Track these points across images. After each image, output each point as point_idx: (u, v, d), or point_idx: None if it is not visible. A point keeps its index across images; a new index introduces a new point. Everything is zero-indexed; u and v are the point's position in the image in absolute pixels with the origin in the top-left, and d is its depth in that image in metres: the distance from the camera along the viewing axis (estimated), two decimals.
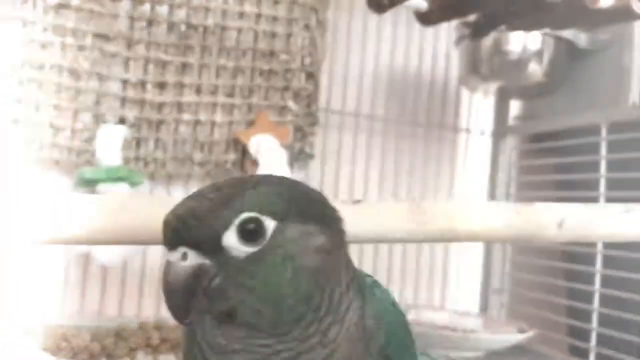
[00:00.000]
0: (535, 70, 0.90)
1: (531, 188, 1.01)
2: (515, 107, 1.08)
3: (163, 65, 0.86)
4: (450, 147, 1.09)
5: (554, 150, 0.99)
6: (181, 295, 0.30)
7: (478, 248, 1.07)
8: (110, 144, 0.82)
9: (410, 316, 0.96)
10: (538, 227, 0.52)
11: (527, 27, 0.75)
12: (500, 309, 1.05)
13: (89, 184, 0.79)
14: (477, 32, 0.70)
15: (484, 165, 1.09)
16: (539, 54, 0.90)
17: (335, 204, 0.36)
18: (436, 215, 0.49)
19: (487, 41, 0.89)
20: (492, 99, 1.07)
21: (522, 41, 0.89)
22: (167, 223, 0.31)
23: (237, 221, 0.30)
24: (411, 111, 1.05)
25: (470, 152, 1.09)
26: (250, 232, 0.30)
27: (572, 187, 0.91)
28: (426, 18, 0.65)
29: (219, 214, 0.30)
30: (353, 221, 0.41)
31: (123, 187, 0.80)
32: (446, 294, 1.07)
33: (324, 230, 0.32)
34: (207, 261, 0.30)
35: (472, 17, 0.69)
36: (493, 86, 0.96)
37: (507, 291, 1.04)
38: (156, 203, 0.45)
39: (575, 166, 0.92)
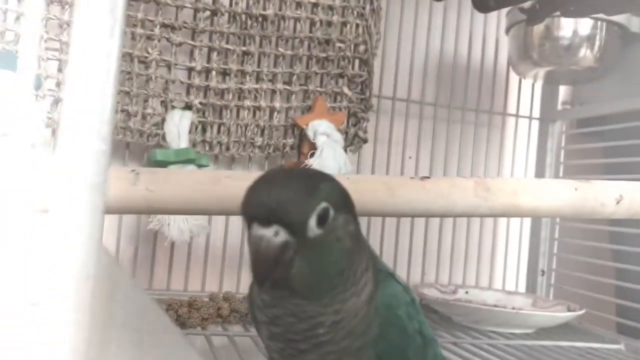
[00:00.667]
0: (587, 55, 0.92)
1: (578, 172, 1.03)
2: (563, 92, 1.10)
3: (225, 53, 0.91)
4: (499, 132, 1.11)
5: (601, 134, 1.01)
6: (270, 264, 0.35)
7: (525, 230, 1.10)
8: (178, 128, 0.87)
9: (459, 295, 1.00)
10: (597, 203, 0.55)
11: (582, 13, 0.76)
12: (548, 289, 1.07)
13: (159, 165, 0.84)
14: (532, 18, 0.73)
15: (531, 150, 1.11)
16: (590, 39, 0.92)
17: (404, 180, 0.40)
18: (500, 191, 0.52)
19: (538, 27, 0.91)
20: (540, 84, 1.09)
21: (573, 26, 0.91)
22: (263, 204, 0.36)
23: (318, 209, 0.36)
24: (461, 97, 1.07)
25: (518, 137, 1.11)
26: (322, 218, 0.36)
27: (619, 170, 0.92)
28: (484, 5, 0.68)
29: (309, 203, 0.36)
30: (420, 196, 0.45)
31: (190, 168, 0.85)
32: (494, 275, 1.10)
33: (353, 218, 0.39)
34: (292, 239, 0.35)
35: (527, 4, 0.71)
36: (543, 71, 0.98)
37: (554, 272, 1.06)
38: (242, 177, 0.50)
39: (622, 150, 0.94)
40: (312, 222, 0.36)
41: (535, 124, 1.11)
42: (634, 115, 0.89)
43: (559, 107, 1.08)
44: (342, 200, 0.39)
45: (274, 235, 0.35)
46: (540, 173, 1.08)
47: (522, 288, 1.10)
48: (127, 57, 0.87)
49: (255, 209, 0.36)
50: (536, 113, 1.11)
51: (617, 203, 0.55)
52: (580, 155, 1.07)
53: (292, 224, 0.35)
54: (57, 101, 0.82)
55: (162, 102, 0.88)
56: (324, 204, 0.36)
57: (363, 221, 0.45)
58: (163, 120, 0.87)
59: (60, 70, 0.83)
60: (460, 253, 1.07)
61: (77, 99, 0.23)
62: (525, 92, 1.11)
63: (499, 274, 1.10)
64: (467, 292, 1.01)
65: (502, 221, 1.10)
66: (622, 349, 0.84)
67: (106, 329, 0.23)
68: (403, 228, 1.03)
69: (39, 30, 0.78)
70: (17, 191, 0.24)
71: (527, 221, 1.10)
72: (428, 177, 0.51)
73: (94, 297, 0.21)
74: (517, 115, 1.11)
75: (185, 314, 0.74)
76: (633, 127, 0.89)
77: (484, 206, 0.51)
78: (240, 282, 0.93)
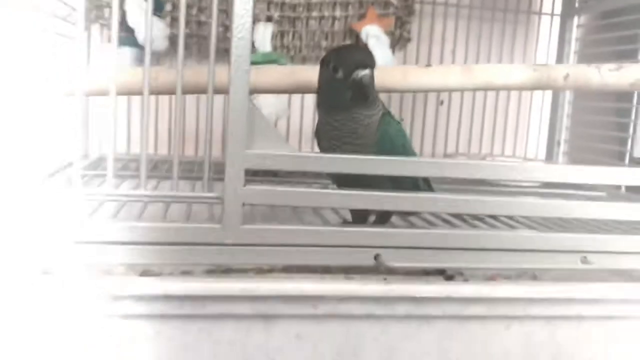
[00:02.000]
0: None
1: (594, 59, 1.24)
2: None
3: None
4: (524, 28, 1.33)
5: (617, 25, 1.20)
6: (370, 86, 0.65)
7: (546, 107, 1.33)
8: (263, 37, 1.16)
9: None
10: (550, 79, 0.81)
11: None
12: (563, 157, 1.32)
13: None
14: None
15: (553, 43, 1.32)
16: None
17: (414, 68, 0.68)
18: (481, 73, 0.79)
19: None
20: None
21: None
22: (365, 58, 0.65)
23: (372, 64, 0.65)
24: None
25: (542, 31, 1.33)
26: (371, 68, 0.65)
27: (631, 56, 1.12)
28: None
29: (374, 59, 0.65)
30: (424, 79, 0.73)
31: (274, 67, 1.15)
32: (517, 146, 1.36)
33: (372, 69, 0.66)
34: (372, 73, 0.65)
35: None
36: None
37: (568, 142, 1.31)
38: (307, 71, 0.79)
39: (632, 38, 1.13)
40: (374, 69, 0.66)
41: (557, 20, 1.31)
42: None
43: (577, 4, 1.28)
44: (373, 61, 0.66)
45: (370, 71, 0.65)
46: (559, 61, 1.30)
47: (541, 157, 1.35)
48: None
49: (361, 60, 0.65)
50: (557, 10, 1.31)
51: (565, 79, 0.81)
52: (598, 44, 1.27)
53: (372, 68, 0.65)
54: None
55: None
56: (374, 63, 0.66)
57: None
58: (252, 28, 1.16)
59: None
60: (489, 127, 1.33)
61: None
62: None
63: (521, 145, 1.36)
64: (492, 159, 1.28)
65: (526, 100, 1.34)
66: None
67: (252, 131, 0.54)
68: (445, 106, 1.30)
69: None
70: None
71: (548, 99, 1.33)
72: (430, 65, 0.79)
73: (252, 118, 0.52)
74: (540, 13, 1.32)
75: None
76: None
77: (468, 84, 0.79)
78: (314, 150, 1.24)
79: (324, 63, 0.68)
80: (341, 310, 0.57)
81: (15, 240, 0.54)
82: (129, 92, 0.74)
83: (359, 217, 0.71)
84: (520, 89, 0.82)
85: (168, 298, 0.54)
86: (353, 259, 0.59)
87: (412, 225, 0.70)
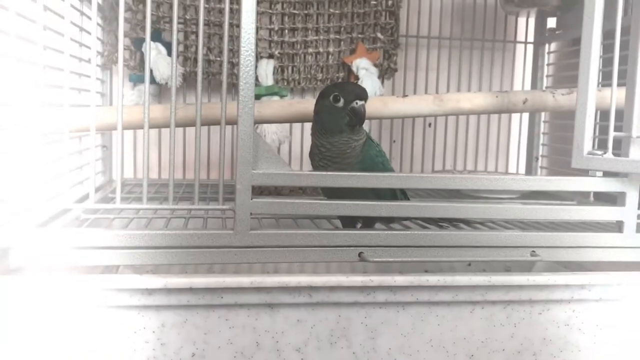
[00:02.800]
0: None
1: (567, 82, 1.37)
2: (551, 20, 1.43)
3: (293, 17, 1.32)
4: (501, 55, 1.47)
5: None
6: (364, 115, 0.80)
7: (524, 127, 1.47)
8: (265, 72, 1.31)
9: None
10: (511, 104, 0.94)
11: None
12: (541, 170, 1.45)
13: (255, 98, 1.28)
14: None
15: (527, 68, 1.46)
16: None
17: (393, 98, 0.82)
18: (449, 101, 0.93)
19: None
20: (533, 16, 1.42)
21: None
22: (362, 92, 0.80)
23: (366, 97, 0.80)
24: (470, 30, 1.44)
25: (517, 58, 1.47)
26: (366, 101, 0.80)
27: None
28: None
29: (367, 95, 0.81)
30: (401, 106, 0.87)
31: (275, 98, 1.29)
32: (499, 162, 1.49)
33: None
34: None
35: None
36: (524, 11, 1.32)
37: (545, 157, 1.44)
38: (304, 103, 0.93)
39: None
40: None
41: (530, 47, 1.46)
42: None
43: (547, 33, 1.42)
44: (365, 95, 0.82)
45: (364, 103, 0.80)
46: (534, 86, 1.44)
47: (521, 171, 1.49)
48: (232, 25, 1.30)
49: (360, 93, 0.80)
50: (531, 38, 1.46)
51: (524, 103, 0.94)
52: (570, 69, 1.41)
53: (366, 101, 0.80)
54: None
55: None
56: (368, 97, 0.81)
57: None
58: (255, 67, 1.31)
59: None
60: (472, 145, 1.47)
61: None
62: (521, 22, 1.46)
63: (503, 161, 1.49)
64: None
65: (505, 121, 1.48)
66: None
67: (257, 155, 0.68)
68: (435, 128, 1.44)
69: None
70: None
71: (525, 122, 1.47)
72: (407, 95, 0.93)
73: (257, 144, 0.66)
74: (514, 41, 1.46)
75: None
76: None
77: (439, 110, 0.92)
78: None
79: (324, 95, 0.83)
80: (332, 299, 0.70)
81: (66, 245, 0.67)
82: (153, 126, 0.88)
83: (348, 223, 0.84)
84: (485, 112, 0.95)
85: (193, 290, 0.67)
86: (341, 256, 0.72)
87: (389, 228, 0.84)
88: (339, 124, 0.81)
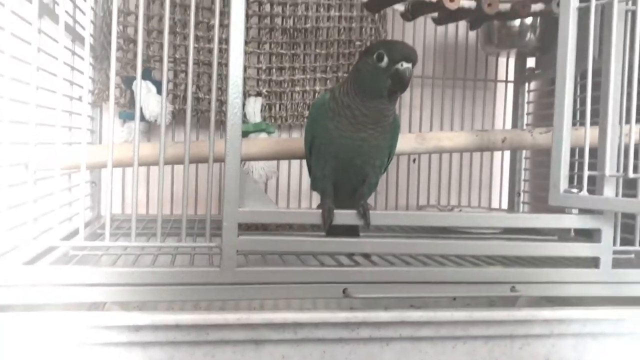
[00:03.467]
0: (531, 37, 1.30)
1: (547, 119, 1.41)
2: (531, 60, 1.48)
3: (281, 56, 1.36)
4: (483, 93, 1.52)
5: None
6: (409, 79, 0.73)
7: (505, 164, 1.50)
8: (254, 109, 1.34)
9: (455, 212, 1.42)
10: (490, 142, 0.97)
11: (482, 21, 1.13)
12: (524, 206, 1.48)
13: (244, 134, 1.31)
14: (473, 26, 1.13)
15: (508, 105, 1.50)
16: (533, 26, 1.30)
17: None
18: (431, 139, 0.96)
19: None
20: (513, 57, 1.47)
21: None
22: (409, 55, 0.72)
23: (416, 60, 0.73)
24: (452, 69, 1.48)
25: (497, 96, 1.51)
26: (414, 64, 0.74)
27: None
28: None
29: (417, 58, 0.74)
30: None
31: (263, 135, 1.31)
32: (482, 197, 1.52)
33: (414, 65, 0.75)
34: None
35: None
36: (503, 52, 1.37)
37: (526, 193, 1.47)
38: (290, 142, 0.96)
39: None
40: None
41: (510, 86, 1.50)
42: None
43: (526, 73, 1.47)
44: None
45: (410, 67, 0.72)
46: (515, 123, 1.48)
47: (504, 206, 1.52)
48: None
49: (408, 54, 0.72)
50: (510, 77, 1.50)
51: (503, 142, 0.97)
52: (549, 107, 1.45)
53: (414, 64, 0.73)
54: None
55: (242, 92, 1.35)
56: None
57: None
58: (243, 104, 1.34)
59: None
60: (455, 182, 1.50)
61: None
62: (501, 62, 1.50)
63: (486, 196, 1.52)
64: (460, 210, 1.43)
65: (487, 157, 1.51)
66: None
67: (243, 193, 0.70)
68: (419, 163, 1.47)
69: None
70: None
71: (507, 159, 1.50)
72: None
73: (244, 182, 0.68)
74: (495, 80, 1.51)
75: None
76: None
77: (421, 148, 0.95)
78: (300, 207, 1.40)
79: (367, 52, 0.75)
80: (317, 335, 0.71)
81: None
82: (143, 163, 0.90)
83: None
84: (466, 151, 0.98)
85: (179, 327, 0.68)
86: (326, 292, 0.74)
87: (373, 265, 0.85)
88: (379, 88, 0.73)
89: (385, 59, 0.72)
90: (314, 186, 0.85)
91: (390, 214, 0.77)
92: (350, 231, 0.83)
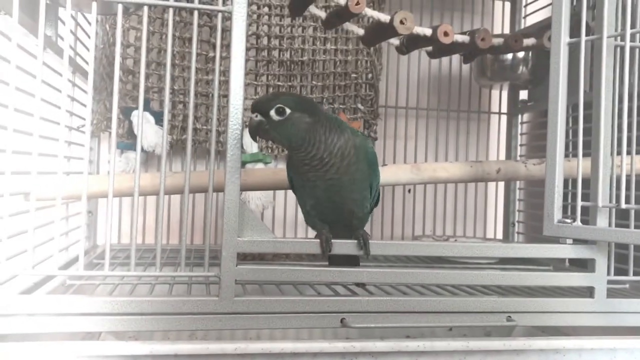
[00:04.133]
0: (523, 71, 1.33)
1: (539, 150, 1.43)
2: (523, 92, 1.51)
3: (278, 88, 1.38)
4: (476, 125, 1.54)
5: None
6: (252, 131, 0.78)
7: (500, 195, 1.52)
8: (251, 140, 1.35)
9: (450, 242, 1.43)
10: (485, 173, 0.99)
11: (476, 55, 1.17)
12: (518, 236, 1.49)
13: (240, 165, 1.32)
14: (466, 59, 1.16)
15: (502, 137, 1.52)
16: (525, 59, 1.33)
17: (380, 167, 0.86)
18: (426, 170, 0.97)
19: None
20: (506, 89, 1.50)
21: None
22: (253, 104, 0.78)
23: (274, 107, 0.76)
24: (445, 101, 1.51)
25: (491, 127, 1.54)
26: (279, 111, 0.75)
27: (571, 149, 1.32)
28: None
29: (269, 103, 0.77)
30: (384, 174, 0.91)
31: (260, 165, 1.33)
32: (477, 228, 1.53)
33: (311, 115, 0.76)
34: (263, 120, 0.77)
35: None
36: (497, 84, 1.40)
37: (521, 223, 1.48)
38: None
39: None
40: (272, 112, 0.76)
41: (504, 118, 1.53)
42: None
43: (519, 105, 1.49)
44: (299, 106, 0.75)
45: (255, 117, 0.77)
46: (509, 154, 1.50)
47: (499, 236, 1.53)
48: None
49: (251, 107, 0.78)
50: (504, 109, 1.53)
51: (497, 172, 0.99)
52: (542, 138, 1.47)
53: (262, 113, 0.77)
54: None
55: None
56: (279, 105, 0.75)
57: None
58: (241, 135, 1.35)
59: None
60: (450, 212, 1.51)
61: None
62: (494, 94, 1.53)
63: (480, 227, 1.53)
64: (455, 240, 1.44)
65: (481, 188, 1.53)
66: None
67: (242, 224, 0.70)
68: (414, 194, 1.48)
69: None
70: None
71: (501, 190, 1.52)
72: (386, 164, 0.97)
73: (242, 212, 0.69)
74: (489, 112, 1.53)
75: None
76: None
77: (417, 179, 0.97)
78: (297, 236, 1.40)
79: None
80: None
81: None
82: (141, 193, 0.91)
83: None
84: (461, 181, 1.00)
85: (178, 357, 0.68)
86: (324, 322, 0.74)
87: (370, 294, 0.86)
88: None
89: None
90: (306, 221, 0.87)
91: (389, 243, 0.77)
92: (351, 260, 0.84)
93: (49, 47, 0.88)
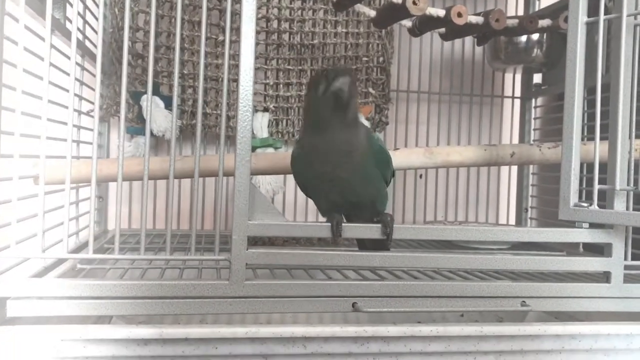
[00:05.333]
0: (538, 54, 1.31)
1: (554, 134, 1.41)
2: (537, 76, 1.48)
3: (288, 72, 1.37)
4: (489, 109, 1.52)
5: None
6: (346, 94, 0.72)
7: (513, 180, 1.50)
8: (261, 124, 1.34)
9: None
10: (499, 157, 0.97)
11: (489, 37, 1.14)
12: (531, 222, 1.48)
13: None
14: (480, 41, 1.14)
15: (515, 121, 1.50)
16: (539, 42, 1.30)
17: (392, 151, 0.84)
18: (439, 153, 0.96)
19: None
20: (519, 73, 1.48)
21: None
22: (338, 71, 0.72)
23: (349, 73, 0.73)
24: (458, 85, 1.48)
25: (504, 112, 1.52)
26: (350, 76, 0.72)
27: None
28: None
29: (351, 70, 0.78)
30: (394, 158, 0.89)
31: (270, 150, 1.32)
32: (489, 214, 1.52)
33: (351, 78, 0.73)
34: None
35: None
36: (510, 67, 1.37)
37: (534, 209, 1.47)
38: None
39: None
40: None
41: (517, 102, 1.50)
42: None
43: (533, 88, 1.47)
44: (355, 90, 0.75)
45: (348, 78, 0.72)
46: (522, 139, 1.48)
47: (511, 222, 1.51)
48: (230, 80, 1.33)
49: (339, 72, 0.72)
50: (517, 93, 1.50)
51: (511, 156, 0.97)
52: (556, 122, 1.45)
53: (350, 76, 0.72)
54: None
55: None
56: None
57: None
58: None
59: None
60: (462, 198, 1.50)
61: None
62: (508, 78, 1.51)
63: (492, 213, 1.51)
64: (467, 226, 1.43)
65: (494, 174, 1.51)
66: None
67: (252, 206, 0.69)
68: (426, 179, 1.47)
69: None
70: None
71: (514, 175, 1.50)
72: (398, 148, 0.95)
73: (252, 196, 0.68)
74: (502, 96, 1.51)
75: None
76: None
77: (430, 162, 0.95)
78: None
79: (308, 89, 0.76)
80: (326, 349, 0.71)
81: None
82: (151, 177, 0.90)
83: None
84: (475, 165, 0.98)
85: (188, 341, 0.68)
86: (335, 306, 0.73)
87: (382, 279, 0.85)
88: (325, 113, 0.73)
89: (322, 85, 0.72)
90: (321, 214, 0.85)
91: (403, 227, 0.76)
92: (379, 244, 0.82)
93: (57, 30, 0.87)
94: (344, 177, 0.77)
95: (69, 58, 0.74)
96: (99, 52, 0.73)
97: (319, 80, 0.73)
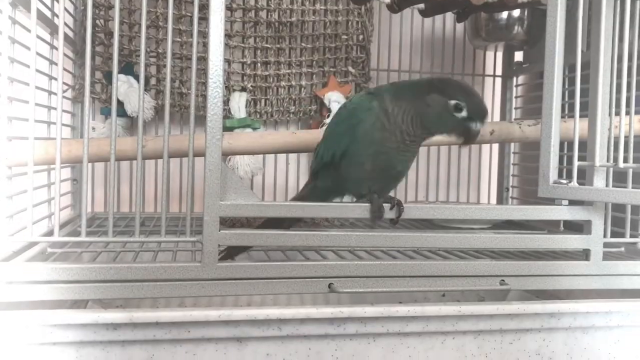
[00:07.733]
0: (518, 30, 1.29)
1: (535, 113, 1.40)
2: (518, 54, 1.47)
3: (266, 51, 1.34)
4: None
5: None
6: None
7: (494, 160, 1.49)
8: (238, 104, 1.31)
9: None
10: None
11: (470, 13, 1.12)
12: (512, 201, 1.47)
13: (228, 130, 1.28)
14: (460, 18, 1.12)
15: (496, 99, 1.49)
16: (520, 19, 1.29)
17: None
18: None
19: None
20: (500, 50, 1.46)
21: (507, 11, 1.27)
22: (486, 115, 0.75)
23: None
24: (439, 63, 1.47)
25: (486, 90, 1.50)
26: None
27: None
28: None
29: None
30: None
31: (248, 130, 1.29)
32: (471, 194, 1.51)
33: None
34: None
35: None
36: (491, 45, 1.35)
37: (514, 188, 1.46)
38: (276, 136, 0.94)
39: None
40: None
41: (498, 80, 1.49)
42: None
43: (514, 67, 1.46)
44: None
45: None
46: (503, 118, 1.47)
47: (493, 202, 1.50)
48: (204, 59, 1.30)
49: (485, 115, 0.74)
50: (499, 72, 1.49)
51: (491, 134, 0.96)
52: (537, 100, 1.43)
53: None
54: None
55: (226, 87, 1.32)
56: None
57: None
58: (227, 100, 1.31)
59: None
60: (444, 178, 1.48)
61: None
62: (489, 56, 1.49)
63: (473, 193, 1.51)
64: None
65: (475, 153, 1.50)
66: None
67: (227, 188, 0.68)
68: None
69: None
70: None
71: (495, 154, 1.49)
72: None
73: (227, 177, 0.65)
74: (483, 75, 1.50)
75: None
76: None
77: None
78: None
79: (442, 92, 0.74)
80: (302, 331, 0.69)
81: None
82: (123, 158, 0.87)
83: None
84: (454, 144, 0.97)
85: (159, 325, 0.66)
86: (311, 287, 0.72)
87: (359, 259, 0.83)
88: (443, 132, 0.77)
89: (464, 113, 0.73)
90: (354, 192, 0.82)
91: (422, 207, 0.75)
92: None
93: (22, 5, 0.84)
94: (399, 170, 0.80)
95: (29, 31, 0.71)
96: (60, 21, 0.69)
97: (463, 104, 0.73)
